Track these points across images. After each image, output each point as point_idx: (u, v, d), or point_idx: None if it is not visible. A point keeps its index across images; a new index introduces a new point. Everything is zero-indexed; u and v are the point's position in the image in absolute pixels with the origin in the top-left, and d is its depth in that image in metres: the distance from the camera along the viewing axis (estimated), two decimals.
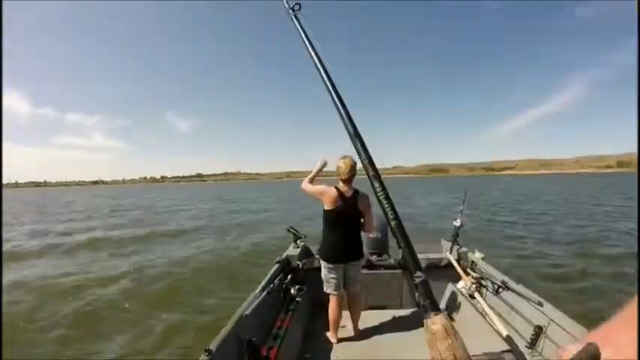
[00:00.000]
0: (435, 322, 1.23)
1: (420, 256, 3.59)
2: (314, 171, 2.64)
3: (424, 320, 1.28)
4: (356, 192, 2.47)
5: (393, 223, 1.45)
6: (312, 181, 2.63)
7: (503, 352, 2.08)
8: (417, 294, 1.38)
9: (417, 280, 1.34)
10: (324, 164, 2.66)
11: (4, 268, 7.50)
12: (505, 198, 25.48)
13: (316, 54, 1.99)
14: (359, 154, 1.62)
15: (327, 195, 2.42)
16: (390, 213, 1.46)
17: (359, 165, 1.73)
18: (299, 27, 2.15)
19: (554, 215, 14.37)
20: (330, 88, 1.84)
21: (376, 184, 1.52)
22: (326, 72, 1.91)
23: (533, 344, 2.04)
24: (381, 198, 1.49)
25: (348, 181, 2.45)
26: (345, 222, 2.47)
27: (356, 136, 1.65)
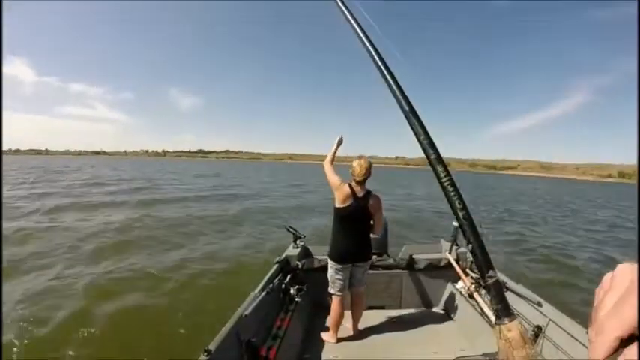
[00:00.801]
0: (511, 329, 1.12)
1: (419, 256, 3.50)
2: (332, 150, 2.65)
3: (496, 326, 1.17)
4: (368, 193, 2.46)
5: (460, 214, 1.25)
6: (332, 161, 2.62)
7: None
8: (489, 297, 1.22)
9: (490, 281, 1.18)
10: (341, 141, 2.67)
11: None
12: (500, 197, 25.40)
13: (355, 20, 1.73)
14: (417, 134, 1.40)
15: (341, 191, 2.40)
16: (457, 202, 1.25)
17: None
18: None
19: (538, 217, 14.48)
20: (377, 58, 1.58)
21: (439, 169, 1.32)
22: (368, 39, 1.65)
23: (532, 344, 2.08)
24: (445, 184, 1.29)
25: (361, 183, 2.43)
26: (355, 222, 2.47)
27: (412, 114, 1.43)
